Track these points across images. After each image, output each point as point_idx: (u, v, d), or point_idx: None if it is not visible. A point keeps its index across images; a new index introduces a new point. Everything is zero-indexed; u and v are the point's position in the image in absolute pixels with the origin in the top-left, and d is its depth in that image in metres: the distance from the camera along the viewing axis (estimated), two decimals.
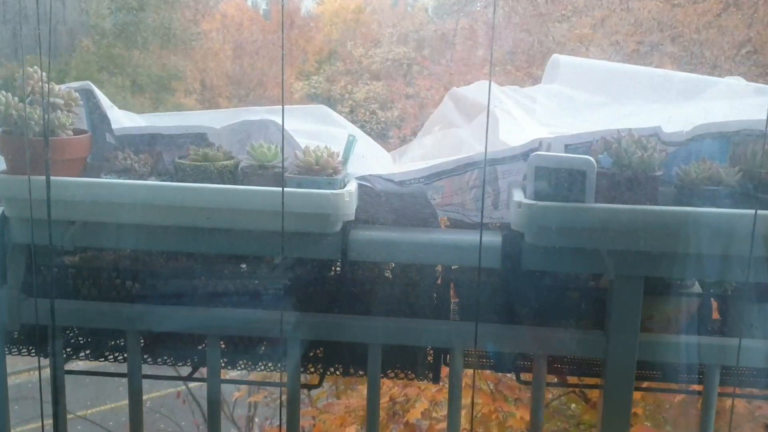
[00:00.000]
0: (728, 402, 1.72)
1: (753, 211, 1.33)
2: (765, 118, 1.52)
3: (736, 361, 1.50)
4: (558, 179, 1.41)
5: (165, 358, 1.73)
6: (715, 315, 1.68)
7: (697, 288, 1.61)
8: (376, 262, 1.66)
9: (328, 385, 5.35)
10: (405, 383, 4.13)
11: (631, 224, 1.38)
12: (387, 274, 1.73)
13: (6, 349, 1.70)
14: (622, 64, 1.72)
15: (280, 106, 1.67)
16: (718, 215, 1.36)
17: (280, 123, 1.59)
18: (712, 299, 1.60)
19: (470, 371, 2.40)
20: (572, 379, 1.84)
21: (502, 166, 1.55)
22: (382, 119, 13.00)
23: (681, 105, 1.58)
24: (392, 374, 1.67)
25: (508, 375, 4.03)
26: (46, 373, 1.68)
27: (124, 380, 1.70)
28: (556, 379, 1.91)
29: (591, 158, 1.40)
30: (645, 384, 1.64)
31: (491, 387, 4.17)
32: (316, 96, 14.68)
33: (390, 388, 4.16)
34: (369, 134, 1.85)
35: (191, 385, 6.94)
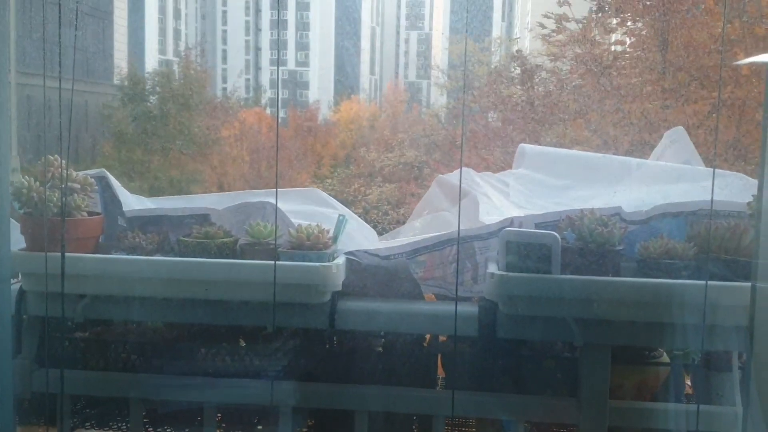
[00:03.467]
0: None
1: (704, 282, 1.45)
2: (720, 198, 1.66)
3: (701, 426, 1.59)
4: (526, 252, 1.54)
5: (166, 428, 1.82)
6: (688, 383, 1.77)
7: (665, 358, 1.70)
8: (367, 333, 1.78)
9: None
10: None
11: (592, 294, 1.51)
12: (378, 348, 1.84)
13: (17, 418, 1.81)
14: (583, 152, 1.89)
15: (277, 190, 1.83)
16: (671, 286, 1.48)
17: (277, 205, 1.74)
18: (679, 368, 1.69)
19: None
20: None
21: (479, 242, 1.69)
22: (394, 219, 13.25)
23: (640, 188, 1.73)
24: None
25: None
26: None
27: None
28: None
29: (555, 234, 1.53)
30: None
31: None
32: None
33: None
34: (380, 233, 2.01)
35: None
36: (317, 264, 1.58)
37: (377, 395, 1.69)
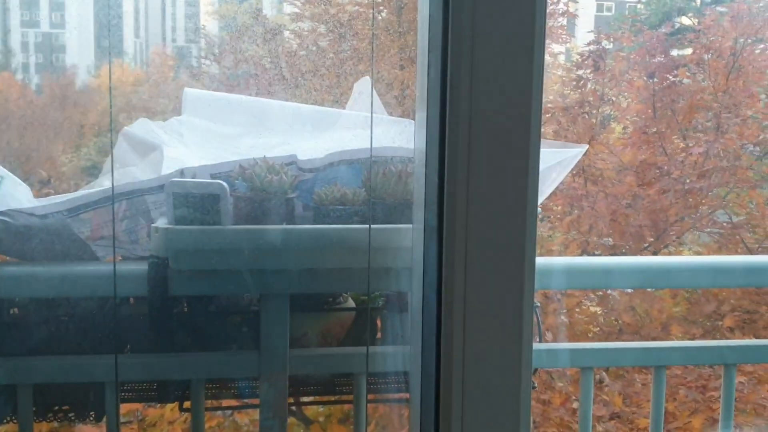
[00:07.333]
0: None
1: (367, 226, 1.47)
2: (396, 144, 1.69)
3: (381, 367, 1.62)
4: (194, 204, 1.46)
5: None
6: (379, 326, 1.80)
7: (351, 303, 1.71)
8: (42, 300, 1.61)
9: None
10: None
11: (264, 243, 1.46)
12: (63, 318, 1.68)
13: None
14: (253, 98, 1.84)
15: None
16: (339, 231, 1.48)
17: None
18: (362, 312, 1.71)
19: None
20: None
21: (151, 196, 1.58)
22: None
23: (316, 135, 1.71)
24: (51, 417, 1.61)
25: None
26: None
27: None
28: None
29: (223, 183, 1.47)
30: (304, 398, 1.71)
31: None
32: (88, 168, 14.13)
33: None
34: None
35: None
36: None
37: (42, 366, 1.54)
